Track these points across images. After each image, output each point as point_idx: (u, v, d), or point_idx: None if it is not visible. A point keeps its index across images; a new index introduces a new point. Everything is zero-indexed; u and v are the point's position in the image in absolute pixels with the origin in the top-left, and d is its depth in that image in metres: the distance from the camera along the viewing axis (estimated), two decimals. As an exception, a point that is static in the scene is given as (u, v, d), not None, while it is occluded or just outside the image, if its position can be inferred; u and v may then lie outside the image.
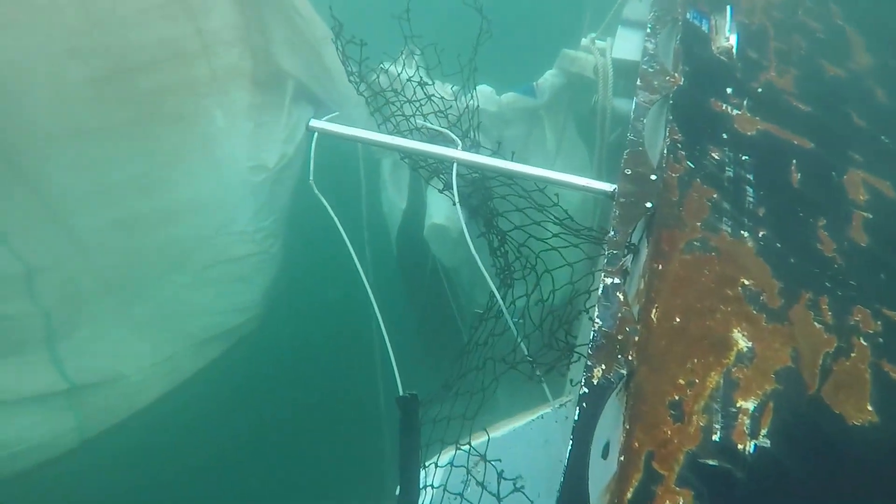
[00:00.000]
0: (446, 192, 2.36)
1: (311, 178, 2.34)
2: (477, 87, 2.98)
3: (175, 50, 3.00)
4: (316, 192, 2.32)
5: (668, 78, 2.19)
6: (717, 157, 1.93)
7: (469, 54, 2.69)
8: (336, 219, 2.31)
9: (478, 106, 2.93)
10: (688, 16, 2.50)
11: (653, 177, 1.84)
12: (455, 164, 2.23)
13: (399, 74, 3.07)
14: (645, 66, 2.26)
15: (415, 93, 2.87)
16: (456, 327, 4.38)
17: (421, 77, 2.93)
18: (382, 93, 2.86)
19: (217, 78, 3.15)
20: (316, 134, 2.38)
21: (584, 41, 3.39)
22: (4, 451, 2.92)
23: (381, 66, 3.19)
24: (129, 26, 2.85)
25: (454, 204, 2.19)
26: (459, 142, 2.38)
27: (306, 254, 3.90)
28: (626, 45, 3.22)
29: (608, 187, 1.93)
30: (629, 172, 1.85)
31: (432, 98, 2.84)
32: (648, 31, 2.48)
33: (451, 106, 2.87)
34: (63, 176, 2.96)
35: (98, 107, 2.94)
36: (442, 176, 2.44)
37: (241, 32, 3.20)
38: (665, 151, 1.89)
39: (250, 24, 3.26)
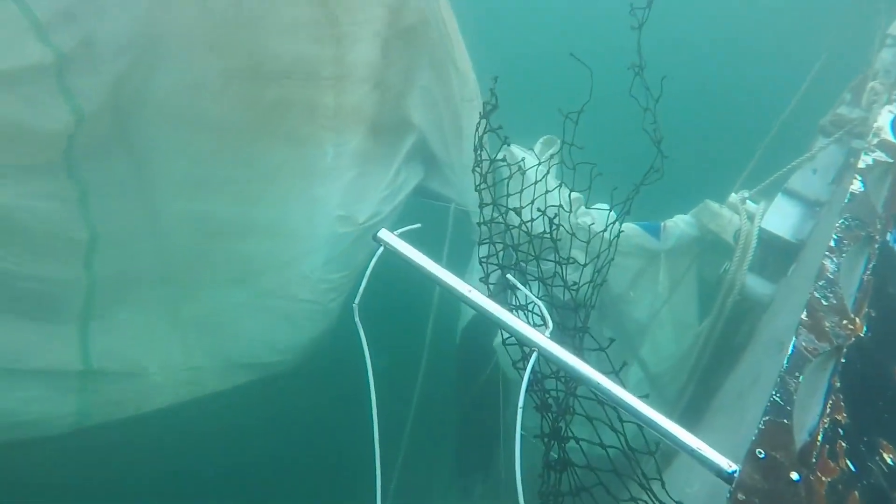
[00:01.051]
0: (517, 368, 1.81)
1: (357, 300, 1.80)
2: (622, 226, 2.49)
3: (309, 71, 2.90)
4: (356, 319, 1.83)
5: (845, 322, 1.58)
6: (892, 461, 1.34)
7: (629, 191, 2.23)
8: (367, 351, 1.81)
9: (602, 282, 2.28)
10: (888, 238, 1.85)
11: (794, 475, 1.28)
12: (535, 354, 1.58)
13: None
14: (817, 294, 1.65)
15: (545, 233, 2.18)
16: (495, 440, 4.04)
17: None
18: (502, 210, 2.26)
19: (340, 113, 3.02)
20: (382, 249, 1.79)
21: (733, 197, 3.01)
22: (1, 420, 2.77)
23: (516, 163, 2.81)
24: (273, 35, 2.77)
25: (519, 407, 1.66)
26: (550, 325, 1.75)
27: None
28: (781, 219, 2.81)
29: (725, 463, 1.31)
30: (761, 455, 1.31)
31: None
32: (832, 244, 1.81)
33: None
34: (166, 159, 2.89)
35: (222, 103, 2.88)
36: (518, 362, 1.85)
37: (378, 73, 3.06)
38: (820, 437, 1.35)
39: (392, 65, 3.12)
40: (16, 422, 2.78)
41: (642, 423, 1.39)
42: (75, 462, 3.05)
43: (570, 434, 1.67)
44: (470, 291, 1.65)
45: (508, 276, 2.02)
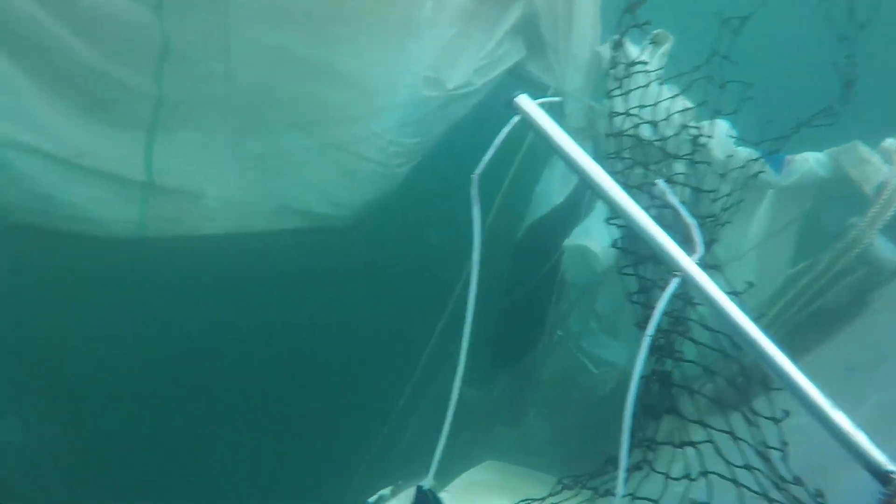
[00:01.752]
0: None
1: (479, 171, 1.66)
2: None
3: None
4: (473, 191, 1.65)
5: None
6: None
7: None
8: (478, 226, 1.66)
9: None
10: None
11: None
12: (678, 281, 1.37)
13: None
14: None
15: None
16: (532, 338, 3.99)
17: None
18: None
19: (446, -39, 2.68)
20: (518, 118, 1.56)
21: (889, 143, 2.57)
22: (66, 212, 2.83)
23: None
24: None
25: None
26: (700, 249, 1.55)
27: (424, 194, 3.52)
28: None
29: (882, 461, 1.11)
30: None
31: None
32: None
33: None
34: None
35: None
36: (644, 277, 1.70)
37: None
38: None
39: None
40: (81, 216, 2.85)
41: (788, 388, 1.19)
42: (136, 268, 3.16)
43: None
44: (612, 188, 1.42)
45: (660, 183, 1.75)
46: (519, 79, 3.20)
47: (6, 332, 3.29)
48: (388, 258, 3.82)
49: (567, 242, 3.09)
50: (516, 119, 1.54)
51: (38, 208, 2.78)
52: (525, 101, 1.52)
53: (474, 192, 1.64)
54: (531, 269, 3.60)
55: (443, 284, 3.54)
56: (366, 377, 4.09)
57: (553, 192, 3.24)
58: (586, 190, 2.93)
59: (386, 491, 2.16)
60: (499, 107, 1.56)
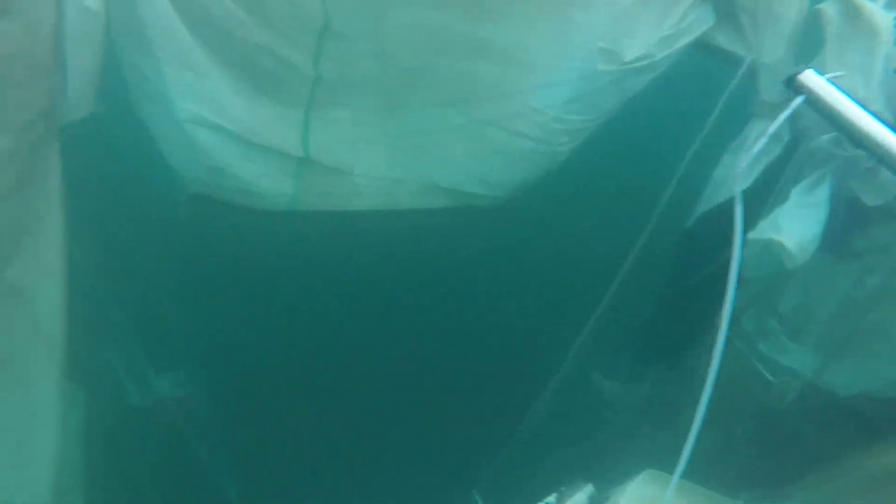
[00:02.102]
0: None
1: (744, 183, 1.30)
2: None
3: None
4: (738, 207, 1.33)
5: None
6: None
7: None
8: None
9: None
10: None
11: None
12: None
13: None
14: None
15: None
16: (702, 338, 3.66)
17: None
18: None
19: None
20: (802, 98, 1.29)
21: None
22: (235, 185, 2.99)
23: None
24: None
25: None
26: None
27: (586, 176, 3.27)
28: None
29: None
30: None
31: None
32: None
33: None
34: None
35: None
36: None
37: None
38: None
39: None
40: (248, 191, 3.02)
41: None
42: (289, 239, 3.30)
43: None
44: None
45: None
46: (705, 50, 2.85)
47: (183, 291, 3.60)
48: (539, 242, 3.65)
49: (751, 235, 2.74)
50: (798, 100, 1.23)
51: (213, 181, 2.96)
52: (811, 78, 1.20)
53: (738, 209, 1.34)
54: (701, 261, 3.26)
55: (598, 274, 3.32)
56: (507, 368, 3.98)
57: (737, 177, 2.87)
58: (779, 177, 2.55)
59: (551, 499, 2.08)
60: (776, 86, 1.26)
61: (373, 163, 3.09)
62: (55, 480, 2.71)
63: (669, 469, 3.01)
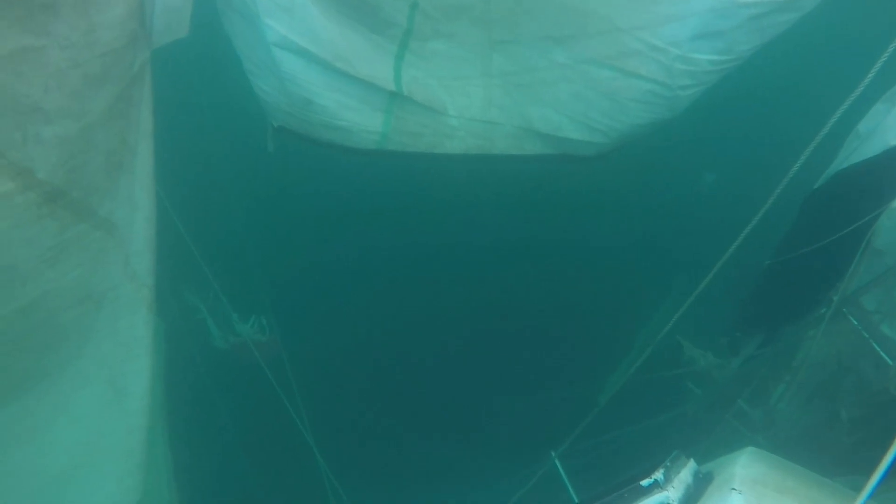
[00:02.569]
0: None
1: None
2: None
3: None
4: None
5: None
6: None
7: None
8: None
9: None
10: None
11: None
12: None
13: None
14: None
15: None
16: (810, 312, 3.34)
17: None
18: None
19: None
20: None
21: None
22: (320, 118, 2.84)
23: None
24: None
25: None
26: None
27: (706, 127, 2.95)
28: None
29: None
30: None
31: None
32: None
33: None
34: None
35: None
36: None
37: None
38: None
39: None
40: (332, 124, 2.85)
41: None
42: (375, 180, 3.14)
43: None
44: None
45: None
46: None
47: (267, 233, 3.54)
48: (644, 198, 3.37)
49: (896, 203, 2.39)
50: None
51: (298, 113, 2.83)
52: None
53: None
54: (824, 227, 2.91)
55: (704, 237, 3.03)
56: (594, 330, 3.77)
57: (888, 131, 2.49)
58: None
59: (659, 475, 1.93)
60: None
61: (468, 102, 2.88)
62: (148, 411, 2.73)
63: (765, 446, 2.77)
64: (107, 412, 2.73)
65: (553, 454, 3.85)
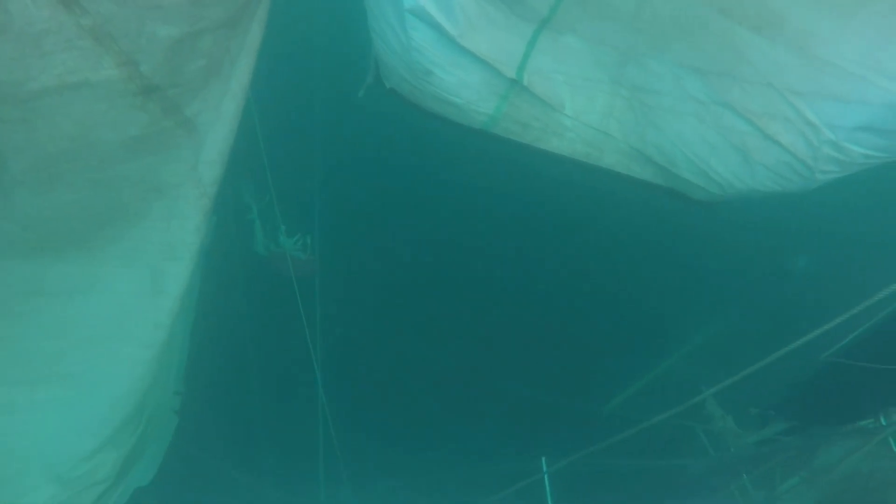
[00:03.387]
0: None
1: None
2: None
3: None
4: None
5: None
6: None
7: None
8: None
9: None
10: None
11: None
12: None
13: None
14: None
15: None
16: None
17: None
18: None
19: None
20: None
21: None
22: (436, 90, 2.71)
23: None
24: None
25: None
26: None
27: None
28: None
29: None
30: None
31: None
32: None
33: None
34: None
35: None
36: None
37: None
38: None
39: None
40: (445, 98, 2.74)
41: None
42: (464, 154, 3.02)
43: None
44: None
45: None
46: None
47: (337, 170, 3.45)
48: (731, 251, 3.18)
49: None
50: None
51: (414, 81, 2.72)
52: None
53: None
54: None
55: (793, 313, 2.86)
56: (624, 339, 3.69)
57: None
58: None
59: None
60: None
61: (588, 106, 2.70)
62: (177, 314, 2.83)
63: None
64: (141, 300, 2.77)
65: (543, 459, 3.85)
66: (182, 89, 2.25)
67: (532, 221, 3.38)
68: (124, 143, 2.26)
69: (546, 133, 2.82)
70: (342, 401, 4.14)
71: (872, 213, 2.98)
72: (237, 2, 2.15)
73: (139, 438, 3.23)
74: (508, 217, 3.38)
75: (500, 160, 2.89)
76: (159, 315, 2.78)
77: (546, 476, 3.85)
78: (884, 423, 3.29)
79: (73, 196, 2.40)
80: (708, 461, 4.01)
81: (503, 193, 3.20)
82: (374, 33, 2.69)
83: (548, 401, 3.91)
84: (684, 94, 2.55)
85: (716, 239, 3.08)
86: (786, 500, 3.74)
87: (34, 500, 2.88)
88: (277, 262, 4.31)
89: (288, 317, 4.07)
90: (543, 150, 2.85)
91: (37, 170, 2.22)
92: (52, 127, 2.08)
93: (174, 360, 3.56)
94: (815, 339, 3.00)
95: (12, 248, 2.51)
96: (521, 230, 3.47)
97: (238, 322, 4.25)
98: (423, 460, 4.04)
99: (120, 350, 2.86)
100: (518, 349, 3.94)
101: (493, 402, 4.07)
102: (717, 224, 2.90)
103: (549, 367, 3.96)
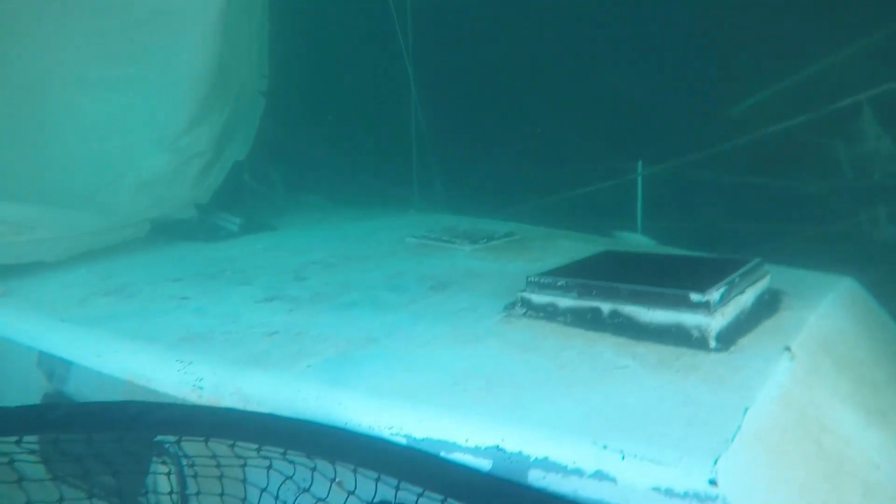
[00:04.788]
0: None
1: None
2: None
3: None
4: None
5: None
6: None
7: None
8: None
9: None
10: None
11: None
12: None
13: None
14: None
15: None
16: None
17: None
18: None
19: None
20: None
21: None
22: None
23: None
24: None
25: None
26: None
27: None
28: None
29: None
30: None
31: None
32: None
33: None
34: None
35: None
36: None
37: None
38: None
39: None
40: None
41: None
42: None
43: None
44: None
45: None
46: None
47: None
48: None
49: None
50: None
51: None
52: None
53: None
54: None
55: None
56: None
57: None
58: None
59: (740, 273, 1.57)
60: None
61: None
62: None
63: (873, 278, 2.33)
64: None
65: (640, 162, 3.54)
66: None
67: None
68: None
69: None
70: (432, 87, 3.92)
71: None
72: None
73: (229, 117, 3.49)
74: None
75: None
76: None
77: (639, 177, 3.52)
78: None
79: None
80: (839, 184, 3.39)
81: None
82: None
83: (658, 99, 3.42)
84: None
85: None
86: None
87: (155, 164, 3.28)
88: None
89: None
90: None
91: None
92: None
93: (255, 42, 3.62)
94: None
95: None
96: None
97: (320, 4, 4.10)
98: (510, 155, 3.87)
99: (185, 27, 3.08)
100: (633, 38, 3.45)
101: (596, 102, 3.64)
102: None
103: (666, 56, 3.39)
